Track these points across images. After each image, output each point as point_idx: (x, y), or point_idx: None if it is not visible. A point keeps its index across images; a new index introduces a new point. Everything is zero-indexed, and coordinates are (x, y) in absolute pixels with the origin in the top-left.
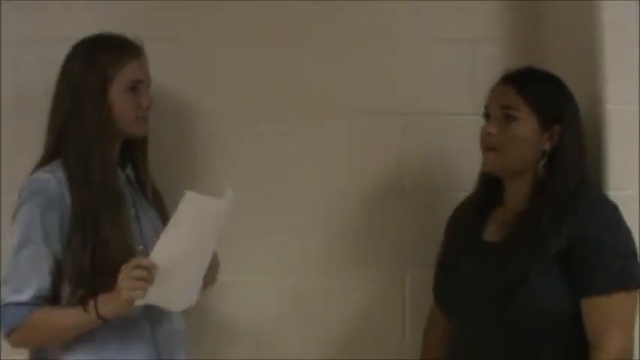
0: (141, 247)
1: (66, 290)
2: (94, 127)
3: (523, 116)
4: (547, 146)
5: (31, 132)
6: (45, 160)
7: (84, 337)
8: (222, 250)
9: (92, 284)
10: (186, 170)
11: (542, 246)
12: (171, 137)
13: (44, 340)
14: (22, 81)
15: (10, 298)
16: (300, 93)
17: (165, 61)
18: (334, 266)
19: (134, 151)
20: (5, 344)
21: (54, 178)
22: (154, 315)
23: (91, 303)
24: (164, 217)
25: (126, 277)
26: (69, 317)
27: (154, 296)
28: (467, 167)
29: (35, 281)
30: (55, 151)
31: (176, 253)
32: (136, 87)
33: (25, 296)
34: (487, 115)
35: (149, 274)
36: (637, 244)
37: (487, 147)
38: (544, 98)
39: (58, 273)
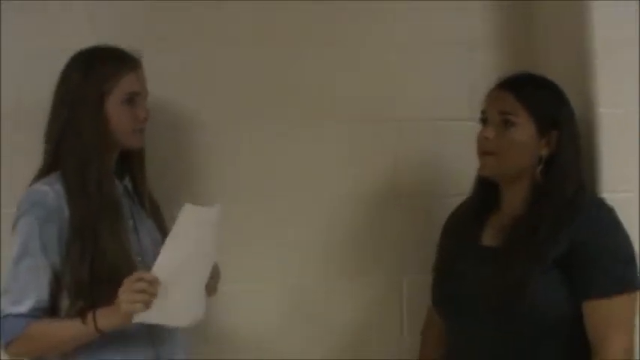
0: (139, 258)
1: (65, 302)
2: (92, 138)
3: (521, 122)
4: (544, 152)
5: (30, 143)
6: (43, 172)
7: None
8: (220, 258)
9: (91, 296)
10: (184, 180)
11: (542, 251)
12: (168, 147)
13: (42, 352)
14: (22, 92)
15: (9, 309)
16: (296, 99)
17: (161, 69)
18: (332, 272)
19: (131, 162)
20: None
21: (52, 190)
22: None
23: (90, 315)
24: (162, 228)
25: (127, 289)
26: (67, 329)
27: (157, 313)
28: (463, 172)
29: (34, 293)
30: (53, 162)
31: (177, 265)
32: (132, 99)
33: (23, 307)
34: (484, 120)
35: (151, 287)
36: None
37: (484, 151)
38: (542, 104)
39: (56, 285)
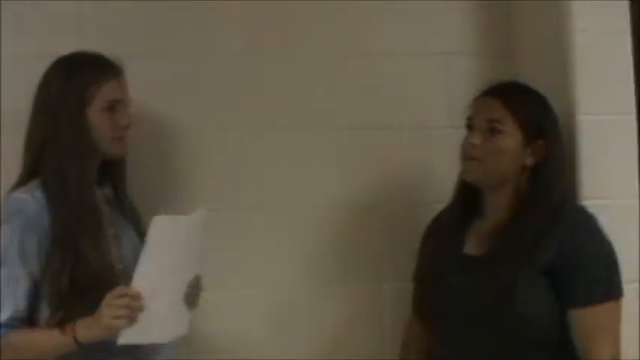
0: (120, 266)
1: (44, 312)
2: (73, 146)
3: (508, 130)
4: (529, 161)
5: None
6: (23, 179)
7: None
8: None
9: (71, 306)
10: (169, 187)
11: (528, 259)
12: (152, 153)
13: None
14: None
15: None
16: (279, 107)
17: (146, 76)
18: (314, 279)
19: (112, 170)
20: None
21: (32, 198)
22: None
23: (69, 327)
24: (143, 237)
25: (109, 304)
26: (46, 340)
27: (139, 332)
28: (443, 179)
29: (11, 302)
30: (33, 169)
31: (154, 281)
32: (114, 106)
33: (2, 317)
34: (470, 126)
35: (134, 302)
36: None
37: (470, 157)
38: (530, 114)
39: (35, 295)
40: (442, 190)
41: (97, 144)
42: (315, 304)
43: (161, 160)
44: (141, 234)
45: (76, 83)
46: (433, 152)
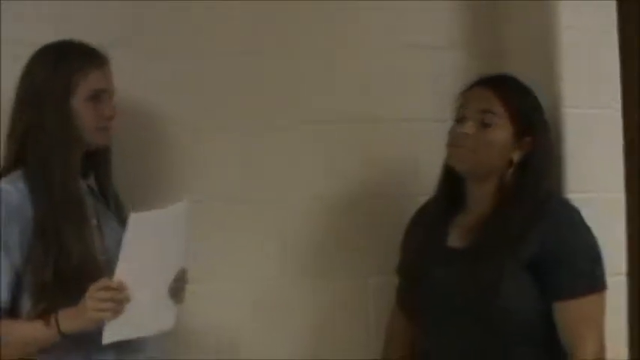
0: (103, 258)
1: (26, 303)
2: (57, 135)
3: (500, 123)
4: (516, 155)
5: None
6: (6, 170)
7: None
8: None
9: (54, 297)
10: (153, 180)
11: (512, 252)
12: (138, 146)
13: (4, 354)
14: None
15: None
16: (265, 100)
17: (132, 70)
18: (297, 273)
19: (97, 160)
20: None
21: (15, 188)
22: None
23: (52, 318)
24: None
25: (93, 297)
26: (29, 332)
27: (123, 327)
28: (427, 173)
29: None
30: (16, 159)
31: (135, 277)
32: (98, 96)
33: None
34: (461, 116)
35: (119, 294)
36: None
37: (460, 145)
38: (522, 110)
39: (17, 286)
40: (426, 183)
41: (81, 134)
42: (300, 298)
43: (146, 152)
44: (124, 225)
45: (61, 71)
46: (419, 146)
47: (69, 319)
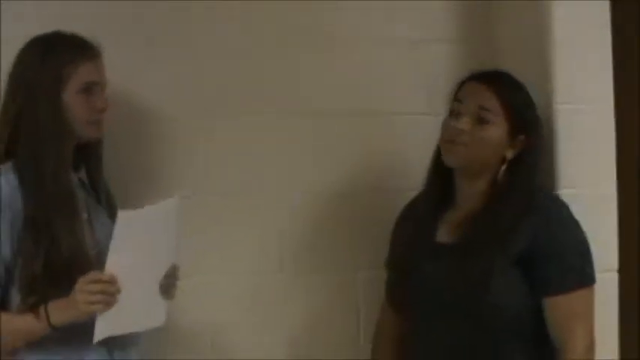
0: (94, 252)
1: (16, 297)
2: (48, 127)
3: (497, 121)
4: (510, 153)
5: None
6: None
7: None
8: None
9: (44, 290)
10: (144, 174)
11: (502, 248)
12: (131, 140)
13: None
14: None
15: None
16: (258, 94)
17: (131, 68)
18: (288, 267)
19: (88, 153)
20: None
21: (5, 180)
22: None
23: (42, 310)
24: None
25: (83, 289)
26: (19, 324)
27: (114, 323)
28: (419, 167)
29: None
30: (6, 151)
31: (126, 272)
32: (90, 89)
33: None
34: (457, 110)
35: (110, 287)
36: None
37: (455, 141)
38: (519, 109)
39: (7, 279)
40: (418, 178)
41: (72, 126)
42: (290, 292)
43: (141, 147)
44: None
45: (52, 62)
46: (410, 139)
47: (59, 311)
